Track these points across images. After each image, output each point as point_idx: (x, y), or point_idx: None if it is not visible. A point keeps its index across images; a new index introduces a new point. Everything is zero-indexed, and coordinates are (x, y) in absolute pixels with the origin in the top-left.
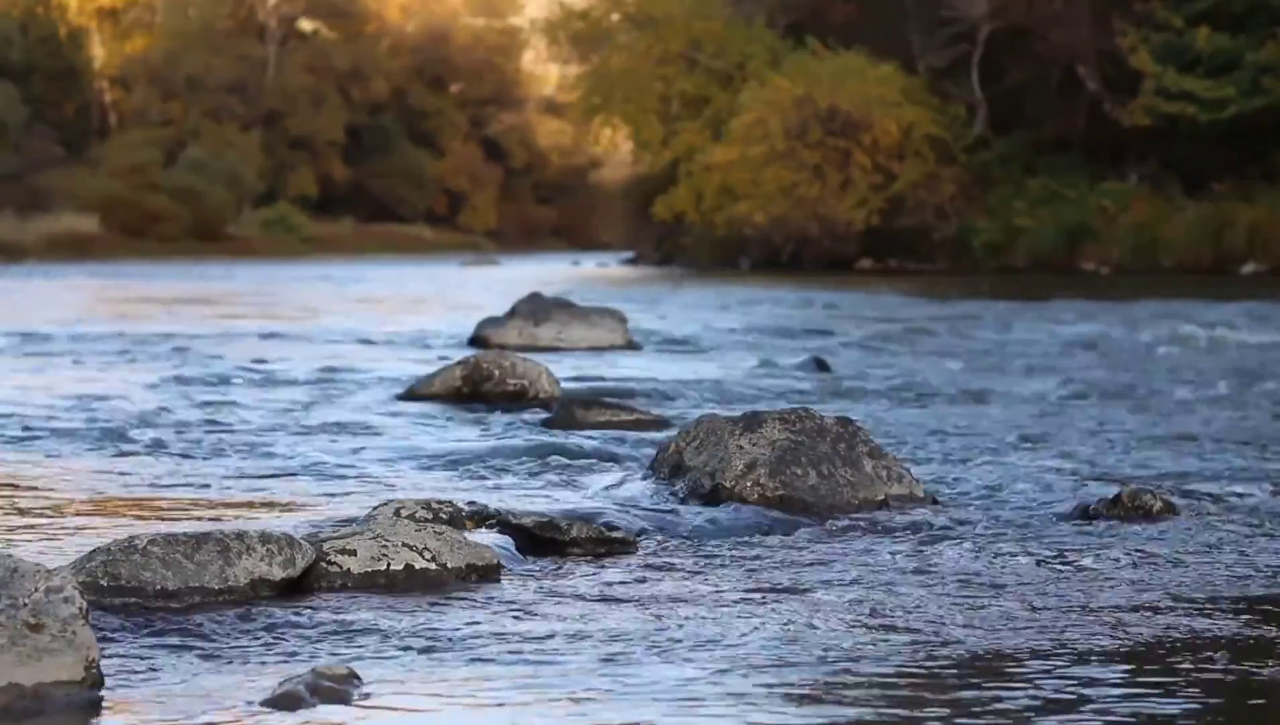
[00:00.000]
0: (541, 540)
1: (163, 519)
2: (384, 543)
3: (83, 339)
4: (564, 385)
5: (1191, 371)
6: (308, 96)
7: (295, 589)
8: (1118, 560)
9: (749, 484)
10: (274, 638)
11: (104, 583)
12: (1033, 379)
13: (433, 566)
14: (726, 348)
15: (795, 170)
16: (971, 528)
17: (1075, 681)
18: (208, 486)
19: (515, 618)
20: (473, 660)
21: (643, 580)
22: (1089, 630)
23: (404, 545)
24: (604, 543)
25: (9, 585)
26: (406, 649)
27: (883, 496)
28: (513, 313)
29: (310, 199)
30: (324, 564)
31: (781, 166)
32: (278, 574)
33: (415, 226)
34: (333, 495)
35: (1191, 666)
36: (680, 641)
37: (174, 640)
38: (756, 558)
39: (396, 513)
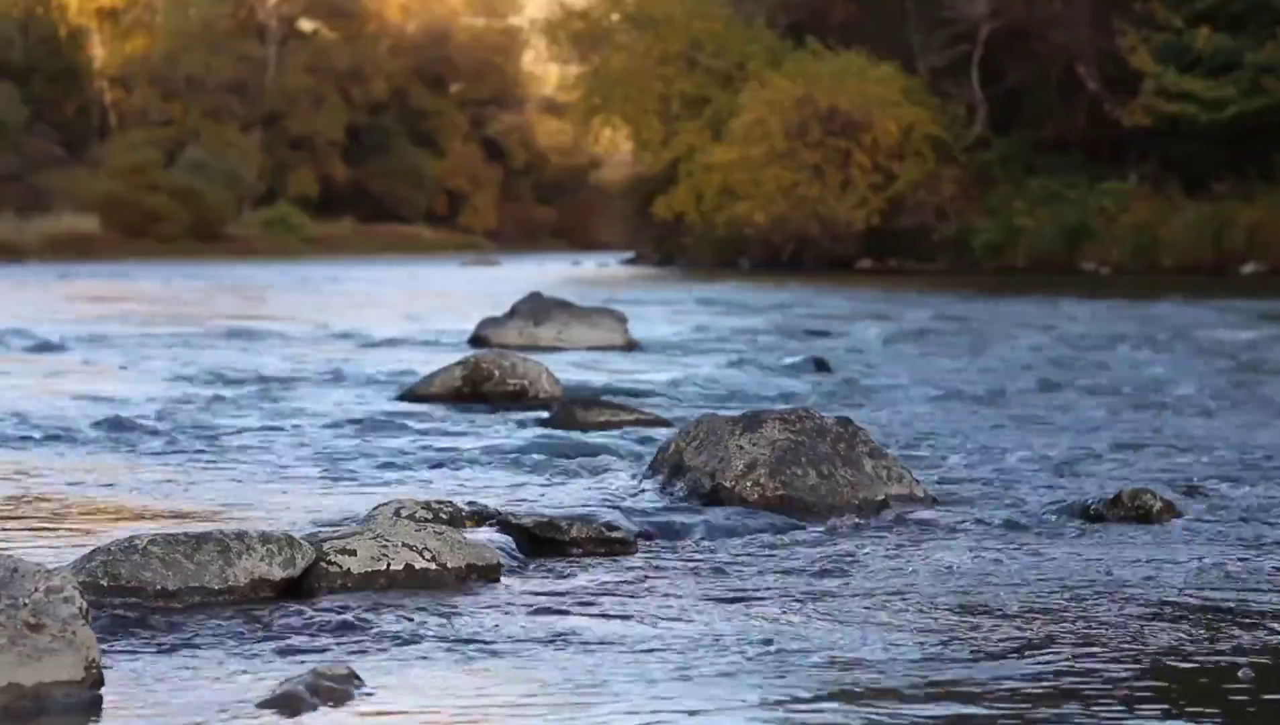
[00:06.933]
0: (541, 540)
1: (163, 519)
2: (384, 543)
3: (82, 339)
4: (564, 385)
5: (1192, 371)
6: (308, 96)
7: (295, 589)
8: (1118, 560)
9: (749, 484)
10: (274, 638)
11: (104, 583)
12: (1033, 379)
13: (433, 566)
14: (726, 348)
15: (795, 170)
16: (972, 528)
17: (1076, 682)
18: (207, 486)
19: (515, 618)
20: (473, 660)
21: (642, 580)
22: (1090, 631)
23: (404, 545)
24: (604, 543)
25: (9, 585)
26: (406, 649)
27: (883, 496)
28: (513, 313)
29: (310, 199)
30: (324, 564)
31: (782, 166)
32: (278, 574)
33: (415, 226)
34: (333, 495)
35: (1192, 667)
36: (681, 642)
37: (174, 640)
38: (756, 558)
39: (396, 513)
